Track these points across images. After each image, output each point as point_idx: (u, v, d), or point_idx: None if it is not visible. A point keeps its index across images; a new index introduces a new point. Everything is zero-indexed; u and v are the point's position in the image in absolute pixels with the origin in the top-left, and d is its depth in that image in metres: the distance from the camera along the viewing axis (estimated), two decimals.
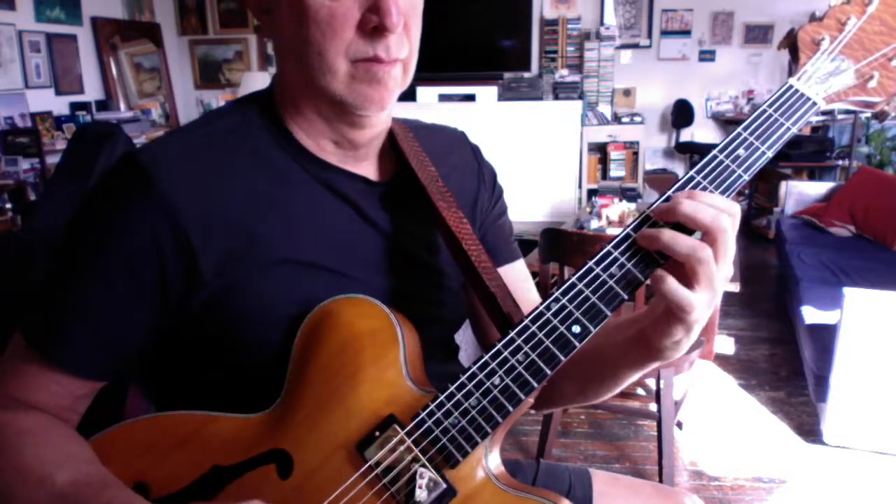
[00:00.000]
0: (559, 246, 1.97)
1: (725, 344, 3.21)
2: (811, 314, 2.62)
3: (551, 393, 0.83)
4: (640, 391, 2.77)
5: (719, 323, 3.19)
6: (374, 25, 0.66)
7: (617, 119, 5.41)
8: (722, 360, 3.02)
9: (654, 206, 0.64)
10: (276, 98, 0.76)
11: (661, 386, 2.03)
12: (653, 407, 2.49)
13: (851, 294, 2.18)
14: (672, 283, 0.61)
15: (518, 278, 0.91)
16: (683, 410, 2.47)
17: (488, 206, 0.90)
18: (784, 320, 3.34)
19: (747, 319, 3.51)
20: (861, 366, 2.21)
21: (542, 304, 0.66)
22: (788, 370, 2.94)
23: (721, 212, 0.61)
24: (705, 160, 0.65)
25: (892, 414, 2.23)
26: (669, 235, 0.61)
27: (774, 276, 4.08)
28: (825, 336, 2.37)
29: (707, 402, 2.68)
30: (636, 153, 5.26)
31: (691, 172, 0.65)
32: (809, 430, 2.46)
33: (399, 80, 0.71)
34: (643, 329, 0.68)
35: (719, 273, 0.62)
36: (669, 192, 0.65)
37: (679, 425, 2.46)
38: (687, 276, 0.62)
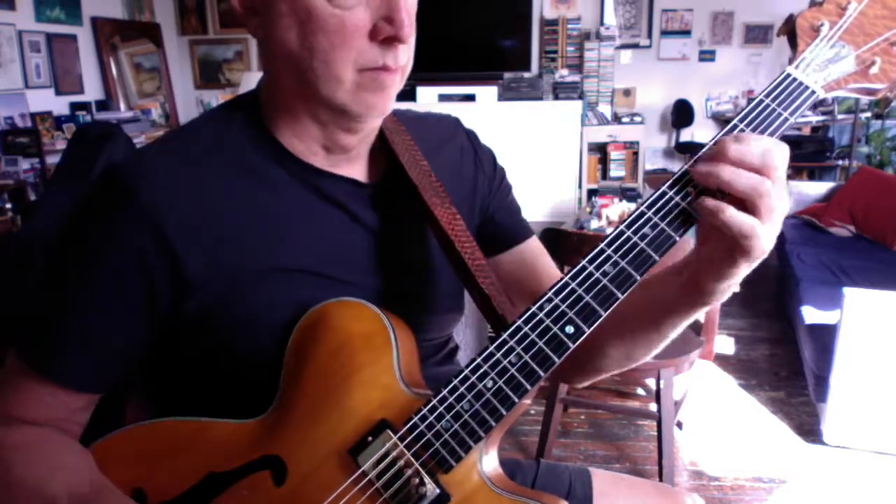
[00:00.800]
0: (559, 246, 1.97)
1: (725, 344, 3.21)
2: (811, 314, 2.62)
3: (596, 358, 0.81)
4: (640, 391, 2.77)
5: (719, 323, 3.19)
6: (387, 36, 0.65)
7: (617, 119, 5.41)
8: (722, 360, 3.02)
9: (652, 200, 0.63)
10: (263, 102, 0.74)
11: (661, 386, 2.03)
12: (653, 407, 2.49)
13: (851, 294, 2.18)
14: (732, 211, 0.59)
15: (538, 254, 0.90)
16: (683, 410, 2.47)
17: (489, 189, 0.89)
18: (784, 320, 3.34)
19: (747, 319, 3.50)
20: (861, 366, 2.21)
21: (534, 304, 0.65)
22: (788, 370, 2.94)
23: (769, 150, 0.59)
24: (702, 153, 0.63)
25: (892, 414, 2.23)
26: (731, 170, 0.59)
27: (774, 276, 4.07)
28: (825, 336, 2.37)
29: (707, 402, 2.68)
30: (636, 153, 5.26)
31: (686, 166, 0.64)
32: (809, 430, 2.46)
33: (398, 86, 0.71)
34: (694, 275, 0.67)
35: (780, 204, 0.60)
36: (664, 188, 0.64)
37: (679, 425, 2.46)
38: (746, 210, 0.60)
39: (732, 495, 2.12)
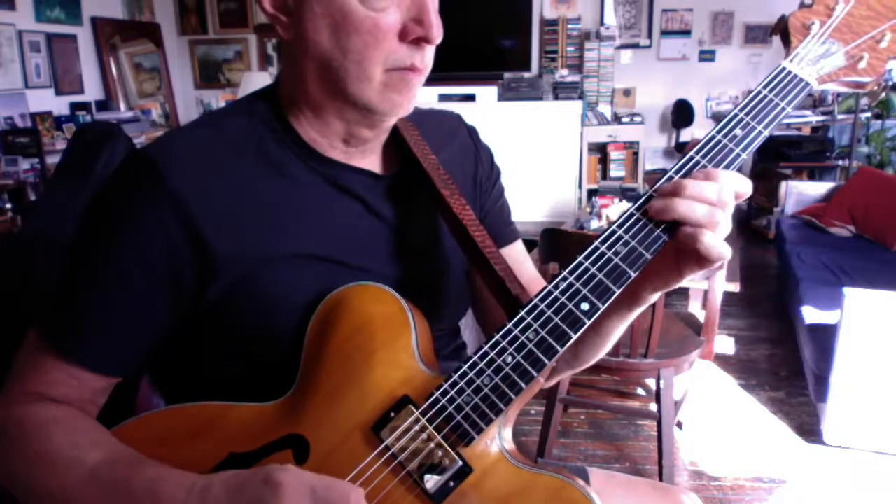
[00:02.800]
0: (559, 246, 1.97)
1: (725, 344, 3.21)
2: (811, 314, 2.62)
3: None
4: (640, 391, 2.77)
5: (719, 323, 3.19)
6: (417, 37, 0.68)
7: (617, 119, 5.41)
8: (722, 360, 3.02)
9: (658, 185, 0.67)
10: (284, 97, 0.76)
11: (661, 386, 2.03)
12: (653, 407, 2.50)
13: (851, 294, 2.18)
14: (710, 237, 0.63)
15: (520, 258, 0.93)
16: (683, 410, 2.47)
17: (487, 186, 0.92)
18: (784, 320, 3.34)
19: (747, 319, 3.50)
20: (861, 366, 2.21)
21: (550, 283, 0.68)
22: (788, 370, 2.94)
23: (724, 187, 0.64)
24: (704, 140, 0.68)
25: (892, 414, 2.23)
26: (686, 205, 0.64)
27: (774, 276, 4.08)
28: (825, 336, 2.37)
29: (707, 402, 2.68)
30: (636, 153, 5.26)
31: (691, 153, 0.68)
32: (809, 430, 2.46)
33: (420, 86, 0.73)
34: (634, 287, 0.71)
35: (727, 227, 0.66)
36: (671, 172, 0.67)
37: (679, 425, 2.46)
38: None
39: (732, 495, 2.12)
